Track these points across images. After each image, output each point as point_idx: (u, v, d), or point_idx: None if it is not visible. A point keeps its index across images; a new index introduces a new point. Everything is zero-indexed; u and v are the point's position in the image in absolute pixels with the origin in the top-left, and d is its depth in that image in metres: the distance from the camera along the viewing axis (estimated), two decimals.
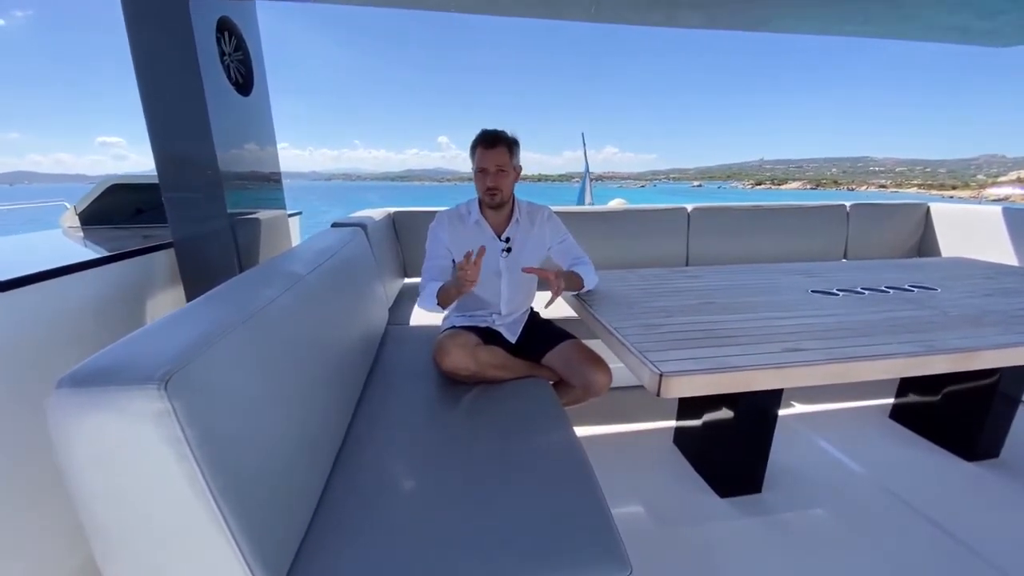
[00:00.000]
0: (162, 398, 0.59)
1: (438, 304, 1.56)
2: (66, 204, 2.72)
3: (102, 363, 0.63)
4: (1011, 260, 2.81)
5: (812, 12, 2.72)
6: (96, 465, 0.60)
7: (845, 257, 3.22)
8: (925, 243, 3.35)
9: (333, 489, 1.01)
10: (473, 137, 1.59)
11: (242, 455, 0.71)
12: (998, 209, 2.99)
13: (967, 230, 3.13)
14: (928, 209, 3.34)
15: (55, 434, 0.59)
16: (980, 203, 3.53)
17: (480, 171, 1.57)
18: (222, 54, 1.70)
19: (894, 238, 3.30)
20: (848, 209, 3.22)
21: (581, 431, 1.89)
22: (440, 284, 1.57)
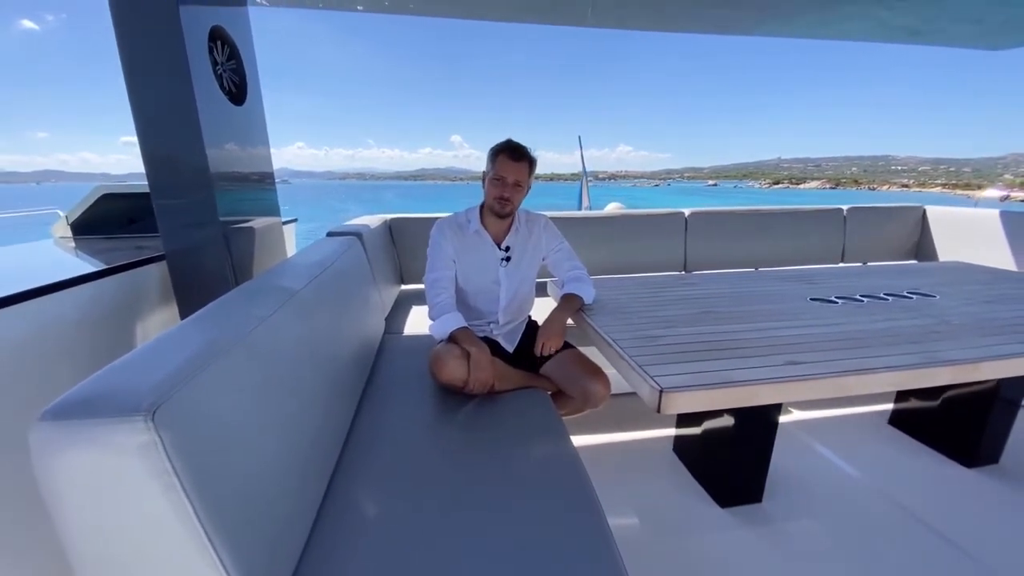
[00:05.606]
0: (148, 430, 0.57)
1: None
2: (59, 212, 2.62)
3: (85, 394, 0.61)
4: (1008, 263, 2.81)
5: (798, 18, 2.69)
6: (81, 499, 0.58)
7: (843, 260, 3.23)
8: (922, 246, 3.36)
9: (328, 512, 1.00)
10: (489, 140, 1.56)
11: (233, 484, 0.69)
12: (995, 212, 3.01)
13: (964, 233, 3.14)
14: (924, 212, 3.35)
15: (38, 468, 0.57)
16: (976, 205, 3.54)
17: (498, 179, 1.57)
18: (215, 63, 1.69)
19: (891, 241, 3.31)
20: (845, 213, 3.23)
21: (579, 439, 1.86)
22: (456, 315, 1.58)
